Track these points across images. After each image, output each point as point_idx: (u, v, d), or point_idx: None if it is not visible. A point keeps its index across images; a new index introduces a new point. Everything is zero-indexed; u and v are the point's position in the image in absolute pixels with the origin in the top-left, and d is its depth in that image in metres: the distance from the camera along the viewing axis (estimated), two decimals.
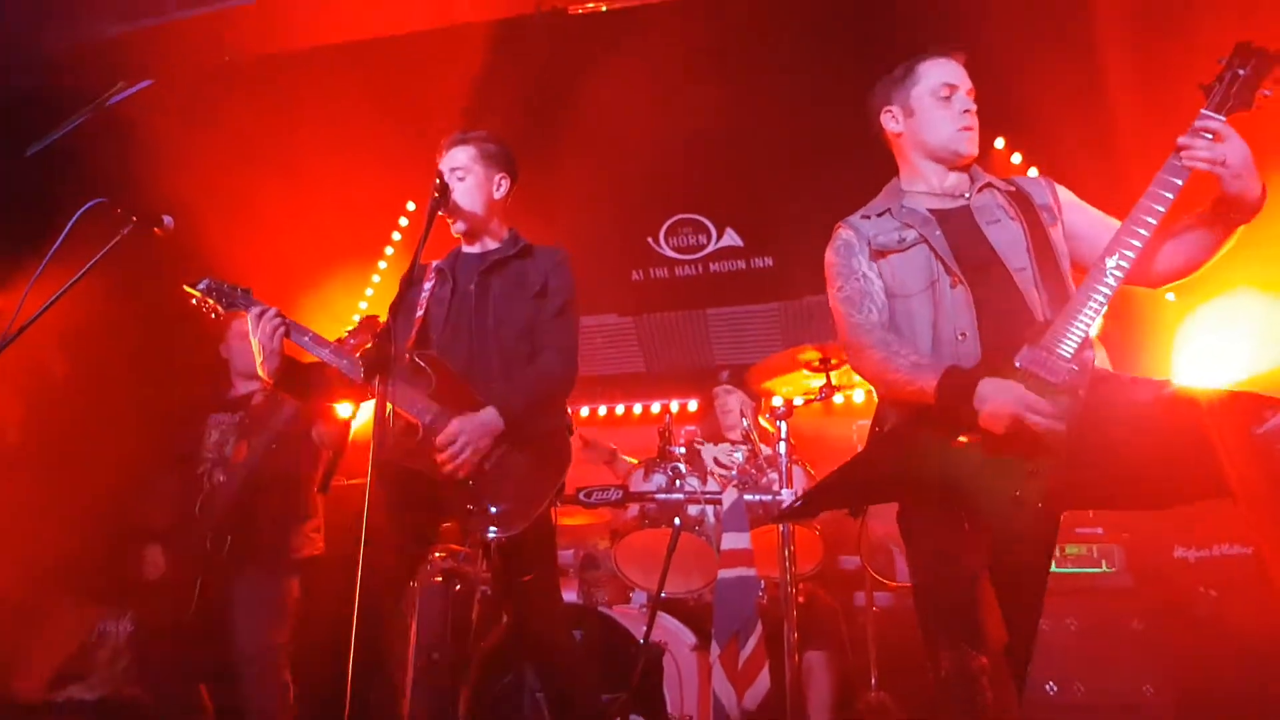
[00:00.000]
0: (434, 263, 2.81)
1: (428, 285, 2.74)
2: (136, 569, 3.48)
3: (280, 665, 3.31)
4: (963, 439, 1.90)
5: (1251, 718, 2.92)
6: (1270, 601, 2.82)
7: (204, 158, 4.23)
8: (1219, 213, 1.95)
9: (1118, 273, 1.90)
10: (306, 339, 2.59)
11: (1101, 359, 2.04)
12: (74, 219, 2.50)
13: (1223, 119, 1.88)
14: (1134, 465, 1.81)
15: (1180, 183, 1.90)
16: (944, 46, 2.26)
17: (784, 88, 4.27)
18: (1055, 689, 3.18)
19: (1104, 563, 3.41)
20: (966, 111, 2.20)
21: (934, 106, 2.20)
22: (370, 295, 5.44)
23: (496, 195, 2.78)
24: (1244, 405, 1.74)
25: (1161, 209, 1.90)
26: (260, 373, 2.57)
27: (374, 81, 4.26)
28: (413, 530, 2.54)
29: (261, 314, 2.56)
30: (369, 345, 2.27)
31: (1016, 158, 4.56)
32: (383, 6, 3.83)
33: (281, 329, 2.55)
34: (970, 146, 2.20)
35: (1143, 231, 1.90)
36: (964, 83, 2.23)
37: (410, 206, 5.29)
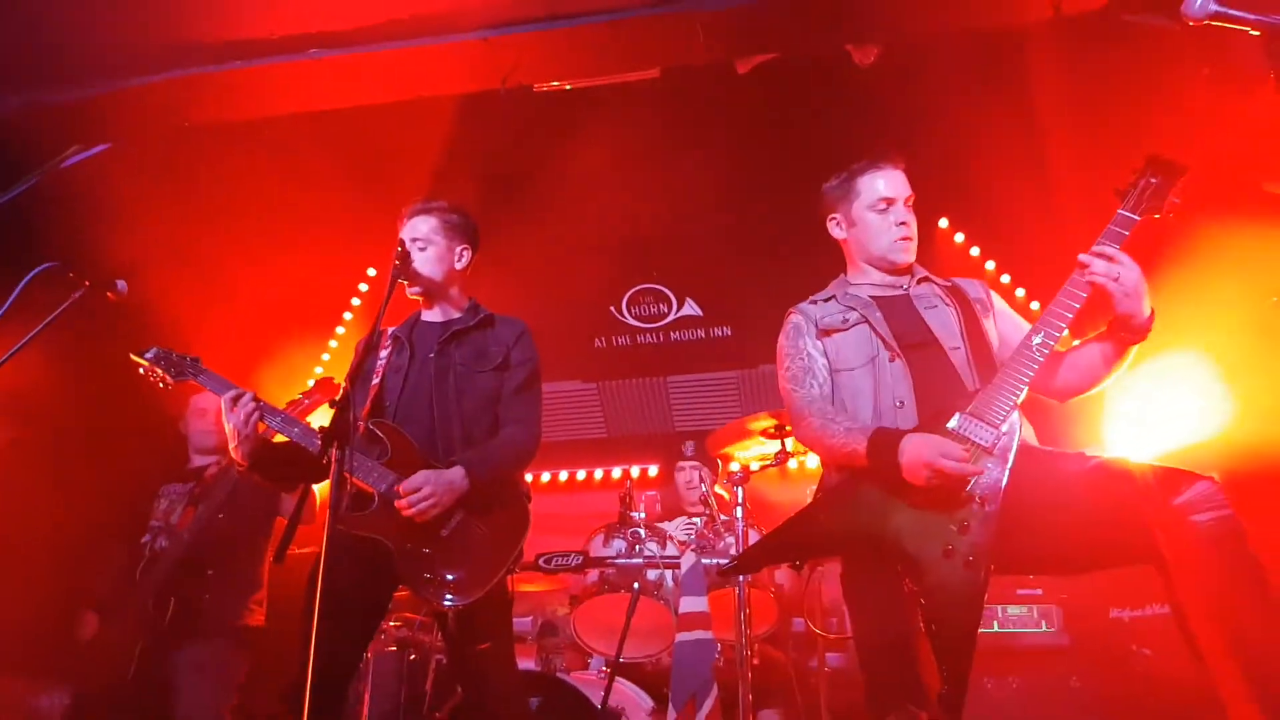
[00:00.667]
0: (390, 329, 2.81)
1: (384, 353, 2.74)
2: (71, 634, 3.39)
3: None
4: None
5: None
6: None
7: (161, 223, 4.24)
8: (1112, 331, 2.12)
9: (1044, 349, 2.05)
10: (278, 420, 2.56)
11: (1027, 433, 2.19)
12: (24, 282, 2.49)
13: (1124, 234, 2.06)
14: (1061, 533, 1.95)
15: (1084, 294, 2.07)
16: (883, 156, 2.43)
17: (743, 165, 4.46)
18: None
19: (1044, 623, 3.53)
20: (902, 223, 2.37)
21: (873, 219, 2.39)
22: (327, 360, 5.43)
23: (458, 265, 2.81)
24: (1165, 478, 1.88)
25: (1075, 304, 2.07)
26: (235, 457, 2.53)
27: (337, 149, 4.33)
28: (367, 600, 2.51)
29: (236, 398, 2.51)
30: (331, 412, 2.28)
31: (959, 237, 4.82)
32: (347, 78, 3.89)
33: (256, 414, 2.51)
34: (906, 256, 2.39)
35: (1065, 314, 2.07)
36: (902, 192, 2.40)
37: (371, 273, 5.34)
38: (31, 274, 2.52)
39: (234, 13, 3.61)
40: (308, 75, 3.85)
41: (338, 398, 2.19)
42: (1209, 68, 3.15)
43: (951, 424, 2.03)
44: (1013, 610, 3.54)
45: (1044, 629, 3.53)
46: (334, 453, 2.19)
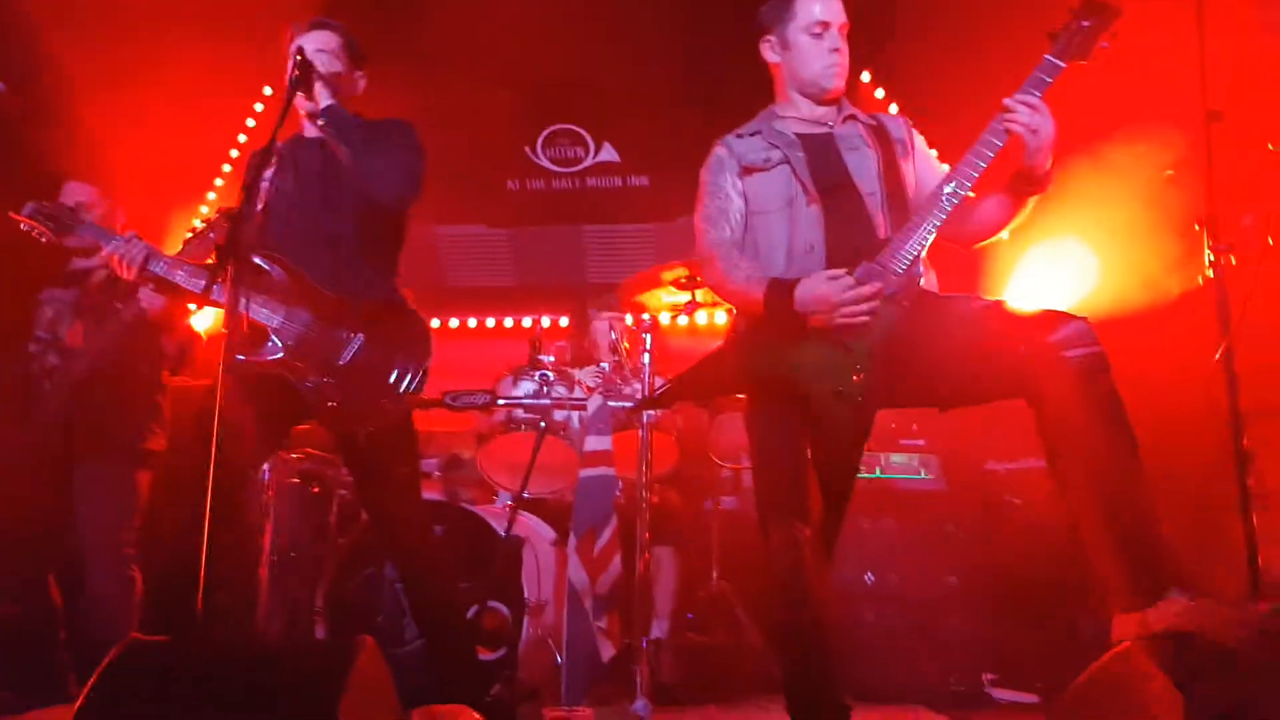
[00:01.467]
0: (277, 145, 2.63)
1: (268, 174, 2.58)
2: None
3: (127, 560, 3.20)
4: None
5: (1035, 607, 3.38)
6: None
7: (41, 26, 3.86)
8: (1014, 184, 2.16)
9: (953, 199, 2.09)
10: (162, 266, 2.49)
11: (930, 281, 2.27)
12: None
13: (1048, 81, 2.06)
14: (942, 364, 2.05)
15: (1001, 143, 2.09)
16: None
17: (671, 3, 4.27)
18: (873, 579, 3.55)
19: (923, 470, 3.77)
20: (836, 50, 2.33)
21: (807, 43, 2.33)
22: (220, 186, 5.13)
23: (358, 92, 2.66)
24: (1041, 318, 1.99)
25: (990, 154, 2.09)
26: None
27: None
28: (263, 431, 2.46)
29: (122, 250, 2.45)
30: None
31: (879, 93, 4.79)
32: None
33: (141, 259, 2.46)
34: (838, 82, 2.35)
35: (979, 163, 2.09)
36: (837, 18, 2.34)
37: (267, 90, 4.98)
38: None
39: None
40: None
41: (228, 213, 2.11)
42: None
43: (857, 272, 2.09)
44: (895, 458, 3.76)
45: (923, 475, 3.76)
46: (229, 271, 2.15)
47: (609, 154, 5.10)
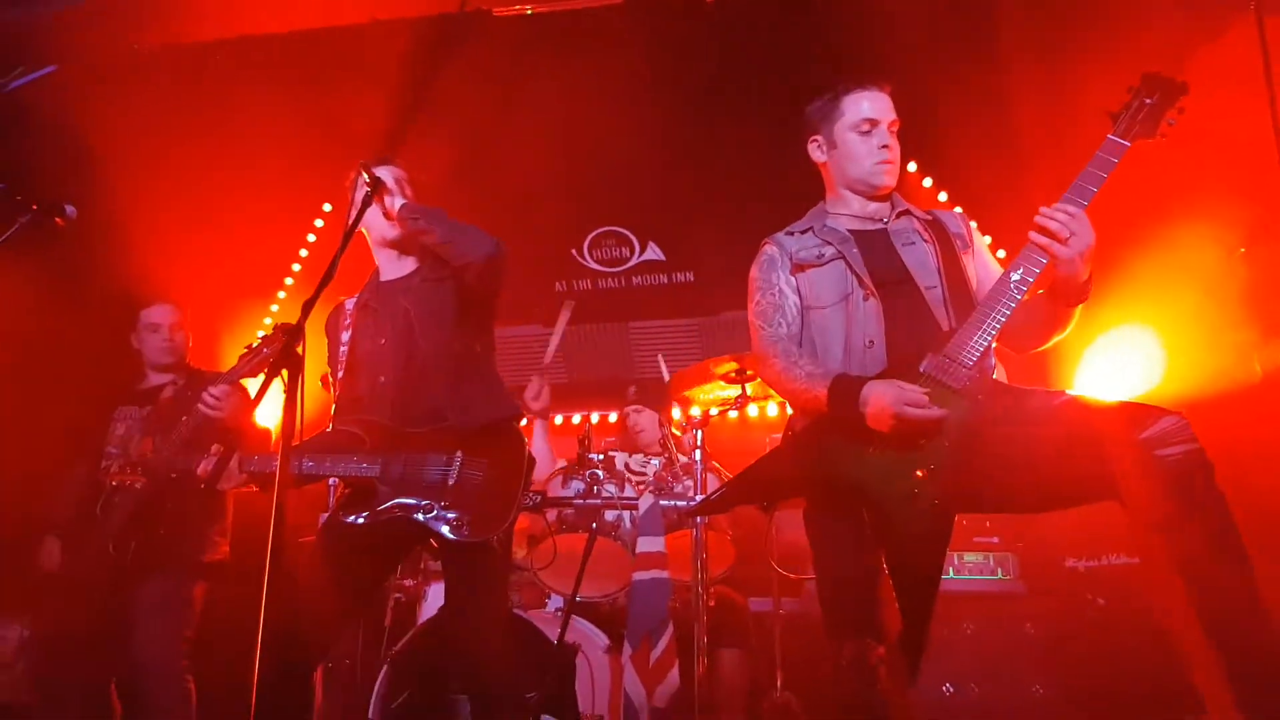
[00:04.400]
0: (347, 303, 2.76)
1: (344, 336, 2.69)
2: (33, 561, 3.34)
3: (183, 671, 3.21)
4: (870, 450, 1.99)
5: (1127, 714, 3.11)
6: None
7: (110, 148, 4.08)
8: (1055, 292, 2.06)
9: (1022, 286, 1.99)
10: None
11: (1000, 375, 2.16)
12: None
13: (1114, 162, 1.98)
14: (1025, 468, 1.91)
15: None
16: (869, 78, 2.35)
17: (710, 104, 4.34)
18: (952, 690, 3.31)
19: (1000, 570, 3.56)
20: (884, 146, 2.30)
21: (855, 141, 2.31)
22: (283, 299, 5.29)
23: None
24: (1130, 413, 1.86)
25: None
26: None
27: (287, 77, 4.18)
28: (354, 584, 2.52)
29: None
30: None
31: (928, 182, 4.77)
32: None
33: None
34: (888, 179, 2.32)
35: (1041, 259, 1.99)
36: (886, 115, 2.32)
37: (326, 208, 5.17)
38: None
39: None
40: None
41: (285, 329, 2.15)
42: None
43: (923, 366, 2.00)
44: (969, 557, 3.56)
45: (1000, 576, 3.56)
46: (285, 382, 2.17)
47: (654, 253, 5.15)
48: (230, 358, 2.93)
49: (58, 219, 2.61)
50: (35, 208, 2.57)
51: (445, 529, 2.42)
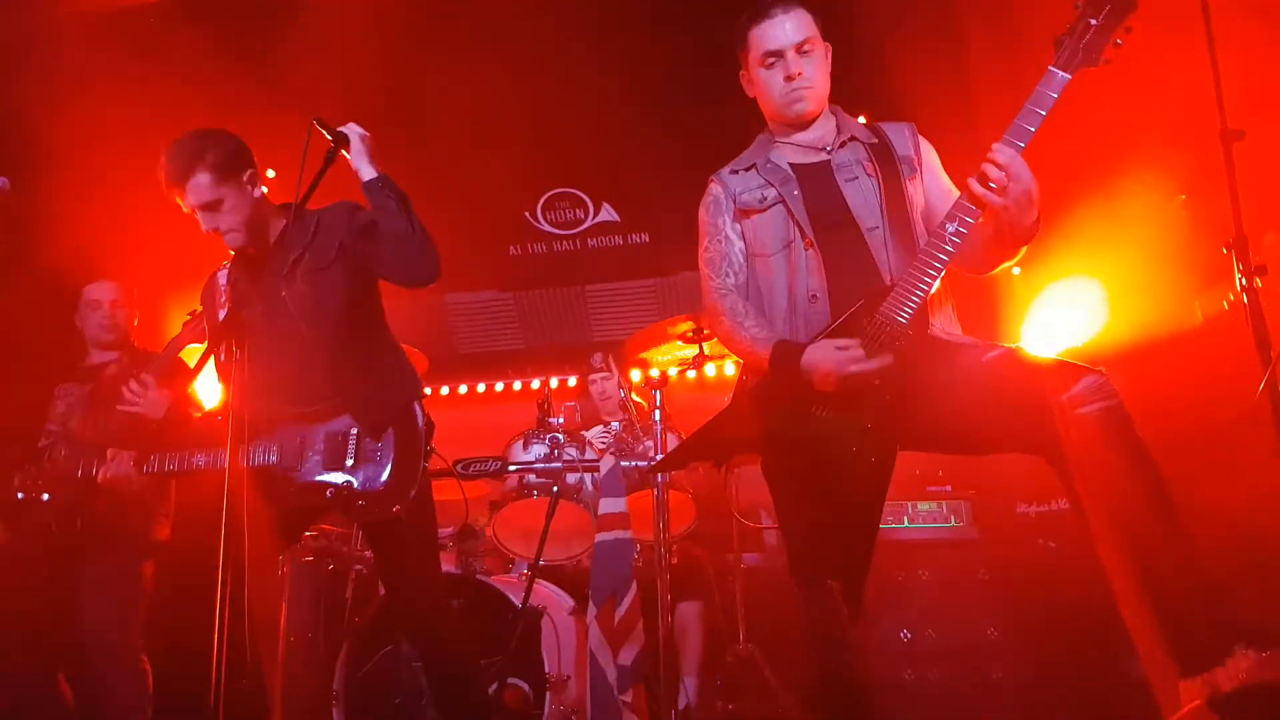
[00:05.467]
0: (219, 275, 2.60)
1: (223, 301, 2.55)
2: None
3: (137, 649, 3.15)
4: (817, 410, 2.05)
5: (1078, 652, 3.22)
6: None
7: (47, 119, 3.90)
8: (1001, 234, 2.03)
9: (955, 239, 1.98)
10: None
11: (948, 315, 2.19)
12: None
13: (1054, 97, 1.90)
14: (954, 418, 1.98)
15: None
16: (770, 3, 2.22)
17: (660, 62, 4.28)
18: (909, 635, 3.41)
19: (953, 518, 3.65)
20: (790, 77, 2.19)
21: (764, 76, 2.24)
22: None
23: (256, 195, 2.50)
24: (1055, 371, 1.90)
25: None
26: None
27: (227, 32, 4.03)
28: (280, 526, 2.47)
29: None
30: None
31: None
32: None
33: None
34: (802, 106, 2.23)
35: (977, 210, 1.96)
36: (790, 39, 2.19)
37: (270, 174, 5.01)
38: None
39: None
40: None
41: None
42: None
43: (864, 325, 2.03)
44: (922, 506, 3.65)
45: (952, 524, 3.65)
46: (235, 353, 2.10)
47: (609, 214, 5.10)
48: (175, 325, 2.85)
49: None
50: None
51: (347, 507, 2.41)
